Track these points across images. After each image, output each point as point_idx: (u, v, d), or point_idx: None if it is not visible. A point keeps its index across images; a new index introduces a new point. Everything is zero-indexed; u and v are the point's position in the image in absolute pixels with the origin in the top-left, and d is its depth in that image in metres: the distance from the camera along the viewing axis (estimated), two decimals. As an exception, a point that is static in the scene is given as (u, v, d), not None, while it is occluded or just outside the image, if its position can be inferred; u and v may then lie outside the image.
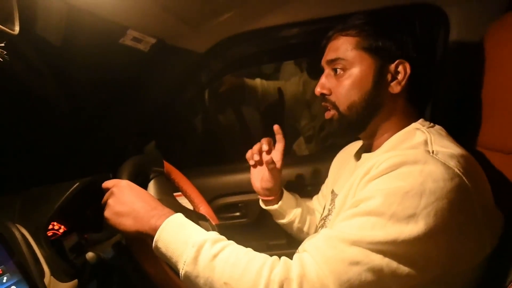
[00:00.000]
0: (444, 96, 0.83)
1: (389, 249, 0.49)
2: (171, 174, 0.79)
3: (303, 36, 0.86)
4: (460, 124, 0.72)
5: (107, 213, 0.58)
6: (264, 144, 0.78)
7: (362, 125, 0.65)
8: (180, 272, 0.51)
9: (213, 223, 0.69)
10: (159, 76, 0.89)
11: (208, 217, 0.71)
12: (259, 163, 0.80)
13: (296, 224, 0.82)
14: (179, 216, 0.55)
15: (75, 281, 0.61)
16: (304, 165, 0.99)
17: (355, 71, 0.62)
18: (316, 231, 0.75)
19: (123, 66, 0.76)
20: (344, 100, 0.63)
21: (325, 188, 0.83)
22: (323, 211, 0.75)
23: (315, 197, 0.88)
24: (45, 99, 0.68)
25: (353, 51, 0.62)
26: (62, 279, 0.59)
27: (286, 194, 0.83)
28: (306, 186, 0.97)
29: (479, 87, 0.69)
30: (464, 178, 0.52)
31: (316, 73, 1.07)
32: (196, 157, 1.22)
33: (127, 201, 0.57)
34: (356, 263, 0.49)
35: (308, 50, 0.95)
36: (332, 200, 0.71)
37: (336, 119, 0.64)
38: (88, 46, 0.63)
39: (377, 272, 0.49)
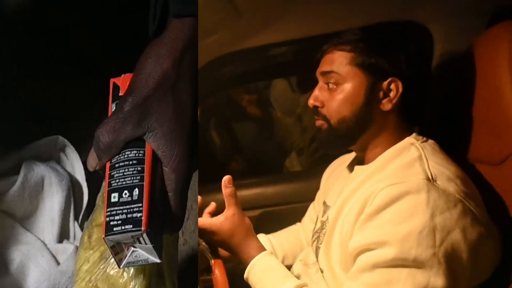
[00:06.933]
0: (431, 110, 0.84)
1: None
2: None
3: (291, 54, 0.88)
4: (447, 138, 0.73)
5: None
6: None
7: (351, 139, 0.65)
8: None
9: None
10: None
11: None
12: None
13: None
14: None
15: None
16: (295, 181, 1.00)
17: (347, 86, 0.62)
18: (310, 245, 0.73)
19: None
20: (335, 114, 0.64)
21: (317, 200, 0.81)
22: (315, 224, 0.73)
23: (306, 215, 0.83)
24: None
25: (347, 66, 0.62)
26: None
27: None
28: (298, 203, 0.97)
29: (464, 101, 0.70)
30: (465, 201, 0.53)
31: (304, 87, 1.08)
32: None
33: None
34: None
35: (296, 68, 0.98)
36: (325, 212, 0.69)
37: (325, 129, 0.65)
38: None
39: None
